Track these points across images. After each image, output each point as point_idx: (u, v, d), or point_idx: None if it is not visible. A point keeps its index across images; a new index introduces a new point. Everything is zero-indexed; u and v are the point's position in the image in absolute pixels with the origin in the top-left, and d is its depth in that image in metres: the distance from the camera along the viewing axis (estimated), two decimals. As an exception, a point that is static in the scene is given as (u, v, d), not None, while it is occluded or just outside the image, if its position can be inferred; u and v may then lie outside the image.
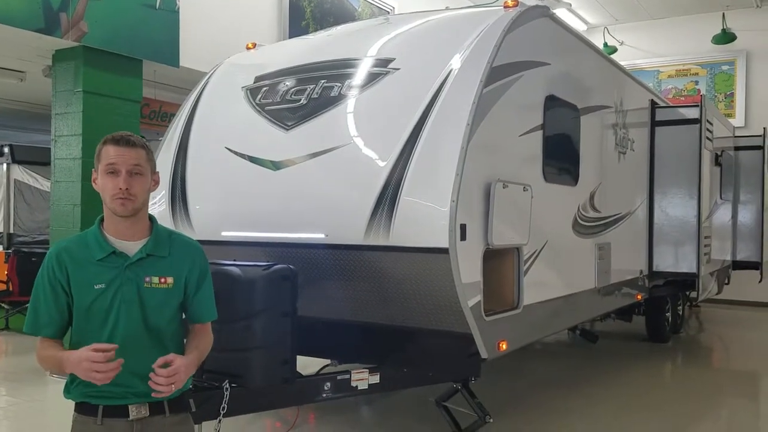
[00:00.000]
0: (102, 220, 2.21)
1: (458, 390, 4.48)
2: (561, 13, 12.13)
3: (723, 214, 9.28)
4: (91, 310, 2.11)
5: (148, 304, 2.15)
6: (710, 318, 10.81)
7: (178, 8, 7.08)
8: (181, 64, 7.15)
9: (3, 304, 9.24)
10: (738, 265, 10.12)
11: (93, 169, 2.21)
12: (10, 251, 9.50)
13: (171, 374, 2.02)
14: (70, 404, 2.21)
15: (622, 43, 13.30)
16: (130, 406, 2.14)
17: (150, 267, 2.16)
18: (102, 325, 2.11)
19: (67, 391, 2.18)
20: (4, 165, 10.28)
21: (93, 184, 2.21)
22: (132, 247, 2.17)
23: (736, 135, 10.21)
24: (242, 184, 4.53)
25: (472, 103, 3.88)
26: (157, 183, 2.26)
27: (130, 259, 2.14)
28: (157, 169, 2.27)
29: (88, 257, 2.13)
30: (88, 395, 2.14)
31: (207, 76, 5.52)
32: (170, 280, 2.19)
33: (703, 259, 7.61)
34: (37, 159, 10.27)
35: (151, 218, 2.26)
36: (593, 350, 7.77)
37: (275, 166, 4.40)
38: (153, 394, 2.06)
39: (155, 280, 2.16)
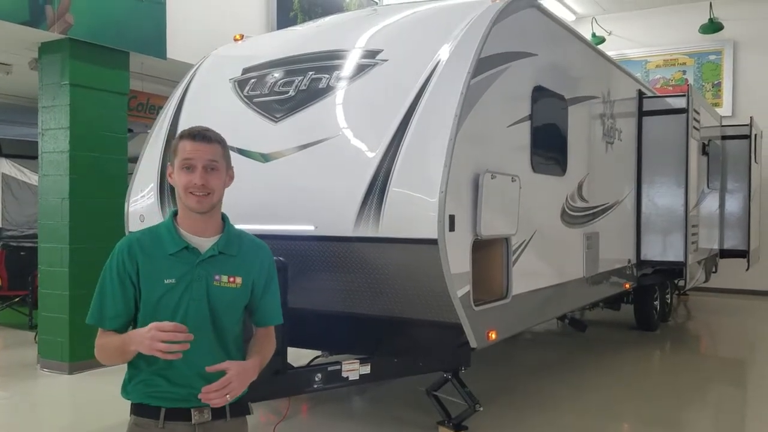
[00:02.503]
0: (175, 214, 2.17)
1: (448, 379, 4.51)
2: (549, 3, 12.12)
3: (710, 203, 9.35)
4: (159, 305, 2.05)
5: (217, 303, 2.09)
6: (698, 306, 10.90)
7: None
8: (168, 56, 7.11)
9: (-8, 299, 9.20)
10: (725, 253, 10.21)
11: (168, 164, 2.17)
12: (-2, 246, 9.45)
13: (224, 384, 1.95)
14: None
15: (610, 33, 13.33)
16: (192, 410, 2.06)
17: (220, 265, 2.11)
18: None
19: (125, 392, 2.11)
20: (-8, 159, 10.21)
21: (168, 179, 2.17)
22: (204, 243, 2.12)
23: (723, 124, 10.27)
24: (231, 176, 4.53)
25: (460, 94, 3.90)
26: (231, 178, 2.21)
27: (202, 255, 2.09)
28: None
29: (160, 251, 2.08)
30: (149, 395, 2.06)
31: (194, 68, 5.50)
32: (239, 279, 2.13)
33: (691, 248, 7.68)
34: (25, 153, 10.18)
35: (224, 216, 2.22)
36: (582, 339, 7.83)
37: (264, 158, 4.40)
38: (212, 404, 1.98)
39: (224, 278, 2.10)
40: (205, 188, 2.07)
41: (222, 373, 1.98)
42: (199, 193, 2.07)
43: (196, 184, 2.06)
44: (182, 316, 2.04)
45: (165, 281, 2.04)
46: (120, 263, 2.07)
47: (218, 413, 2.11)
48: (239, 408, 2.18)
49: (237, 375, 1.99)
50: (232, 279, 2.12)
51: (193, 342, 1.97)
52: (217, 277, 2.09)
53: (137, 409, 2.10)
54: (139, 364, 2.06)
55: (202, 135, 2.11)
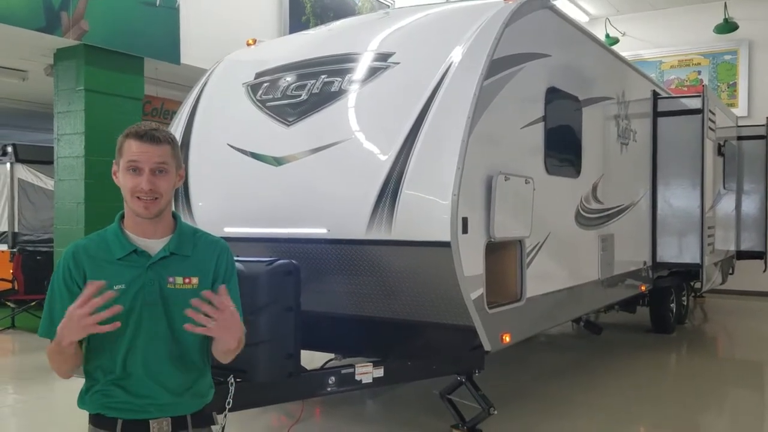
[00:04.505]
0: (122, 216, 2.05)
1: (462, 382, 4.49)
2: (562, 4, 12.10)
3: (726, 204, 9.26)
4: None
5: (173, 306, 1.97)
6: (715, 308, 10.79)
7: (178, 5, 7.09)
8: (182, 61, 7.16)
9: (9, 303, 9.29)
10: (742, 254, 10.11)
11: (114, 161, 2.04)
12: (15, 250, 9.55)
13: (222, 308, 1.83)
14: (76, 402, 2.14)
15: (624, 34, 13.26)
16: (151, 421, 1.97)
17: (173, 266, 2.00)
18: (122, 329, 1.91)
19: (82, 402, 2.03)
20: (8, 164, 10.30)
21: (113, 177, 2.05)
22: (154, 245, 2.01)
23: (738, 125, 10.18)
24: (244, 180, 4.54)
25: (472, 95, 3.88)
26: (182, 178, 2.09)
27: (153, 257, 1.98)
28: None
29: (107, 256, 1.97)
30: (105, 406, 1.97)
31: (208, 73, 5.53)
32: (195, 280, 2.01)
33: (707, 250, 7.61)
34: (41, 158, 10.28)
35: (175, 215, 2.11)
36: (597, 342, 7.77)
37: (277, 161, 4.41)
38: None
39: (179, 280, 1.99)
40: (152, 193, 1.95)
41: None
42: (147, 197, 1.95)
43: (143, 189, 1.95)
44: (136, 323, 1.95)
45: (114, 288, 1.91)
46: (66, 272, 1.96)
47: (179, 424, 2.02)
48: (202, 418, 2.09)
49: (232, 315, 1.88)
50: (187, 280, 2.01)
51: (151, 349, 1.94)
52: (171, 280, 1.99)
53: (94, 420, 2.01)
54: (96, 374, 1.99)
55: (150, 135, 1.97)
